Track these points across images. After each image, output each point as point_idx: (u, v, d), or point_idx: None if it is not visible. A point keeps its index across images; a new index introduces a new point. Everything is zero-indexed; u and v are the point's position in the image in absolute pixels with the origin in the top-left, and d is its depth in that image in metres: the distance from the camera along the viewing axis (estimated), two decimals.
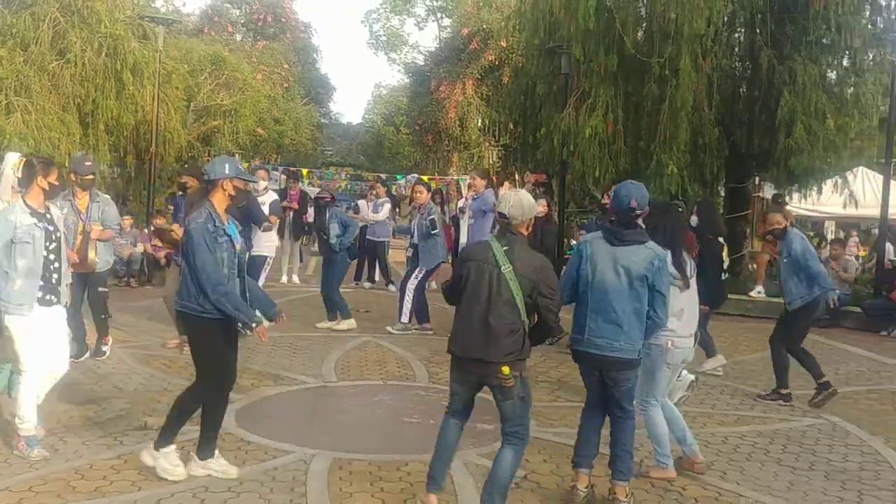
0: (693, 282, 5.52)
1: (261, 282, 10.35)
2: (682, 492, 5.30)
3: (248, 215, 9.94)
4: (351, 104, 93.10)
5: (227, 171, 5.07)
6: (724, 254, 11.54)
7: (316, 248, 14.39)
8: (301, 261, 15.68)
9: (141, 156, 17.42)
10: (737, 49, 15.64)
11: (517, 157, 22.19)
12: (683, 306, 5.38)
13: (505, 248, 4.53)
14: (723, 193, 16.70)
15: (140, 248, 14.24)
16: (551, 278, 4.58)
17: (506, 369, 4.41)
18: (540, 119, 16.27)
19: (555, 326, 4.81)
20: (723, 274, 10.10)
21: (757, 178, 17.20)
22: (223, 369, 5.09)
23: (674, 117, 13.46)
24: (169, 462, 5.06)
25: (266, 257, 10.39)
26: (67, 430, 5.96)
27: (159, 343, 9.13)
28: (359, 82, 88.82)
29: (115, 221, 8.38)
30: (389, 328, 10.52)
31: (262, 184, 10.73)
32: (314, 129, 36.79)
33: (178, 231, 8.61)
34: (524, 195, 4.74)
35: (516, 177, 22.20)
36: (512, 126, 21.80)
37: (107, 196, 8.48)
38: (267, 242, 10.41)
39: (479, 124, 30.14)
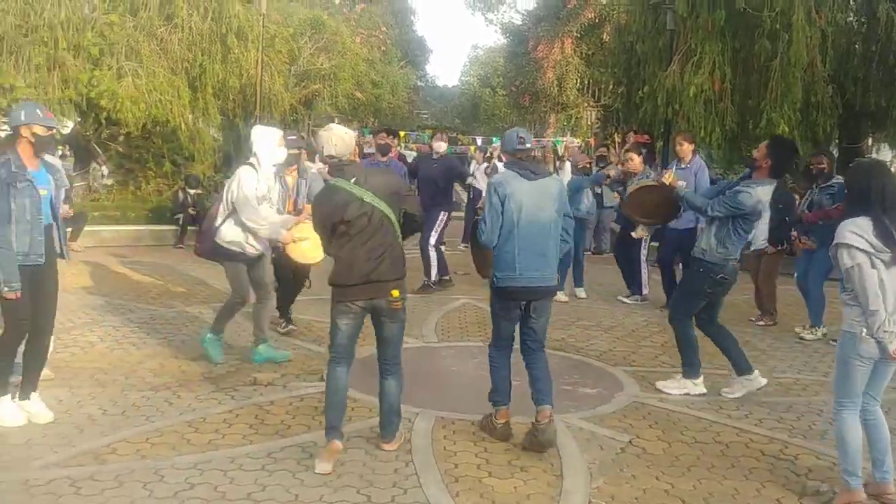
0: None
1: (432, 240, 10.43)
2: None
3: (448, 172, 10.68)
4: (447, 66, 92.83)
5: (22, 118, 5.12)
6: None
7: None
8: None
9: (247, 118, 17.76)
10: (852, 2, 14.89)
11: (618, 117, 21.69)
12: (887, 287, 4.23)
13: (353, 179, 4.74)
14: (836, 154, 16.02)
15: None
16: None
17: None
18: (643, 78, 15.86)
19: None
20: None
21: (871, 139, 16.43)
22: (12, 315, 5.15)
23: (785, 74, 12.97)
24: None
25: (441, 213, 10.48)
26: (181, 385, 6.18)
27: None
28: (455, 44, 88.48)
29: None
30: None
31: (442, 146, 11.06)
32: (410, 92, 36.91)
33: None
34: (339, 130, 4.96)
35: (616, 139, 21.70)
36: (613, 85, 21.32)
37: (315, 171, 8.16)
38: (443, 201, 10.61)
39: (578, 84, 29.62)
